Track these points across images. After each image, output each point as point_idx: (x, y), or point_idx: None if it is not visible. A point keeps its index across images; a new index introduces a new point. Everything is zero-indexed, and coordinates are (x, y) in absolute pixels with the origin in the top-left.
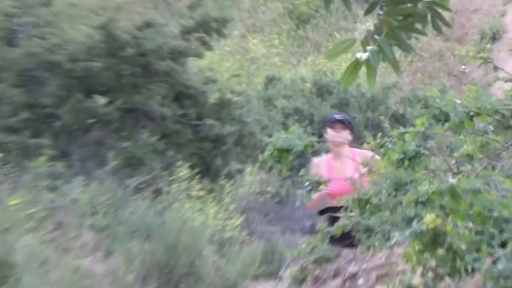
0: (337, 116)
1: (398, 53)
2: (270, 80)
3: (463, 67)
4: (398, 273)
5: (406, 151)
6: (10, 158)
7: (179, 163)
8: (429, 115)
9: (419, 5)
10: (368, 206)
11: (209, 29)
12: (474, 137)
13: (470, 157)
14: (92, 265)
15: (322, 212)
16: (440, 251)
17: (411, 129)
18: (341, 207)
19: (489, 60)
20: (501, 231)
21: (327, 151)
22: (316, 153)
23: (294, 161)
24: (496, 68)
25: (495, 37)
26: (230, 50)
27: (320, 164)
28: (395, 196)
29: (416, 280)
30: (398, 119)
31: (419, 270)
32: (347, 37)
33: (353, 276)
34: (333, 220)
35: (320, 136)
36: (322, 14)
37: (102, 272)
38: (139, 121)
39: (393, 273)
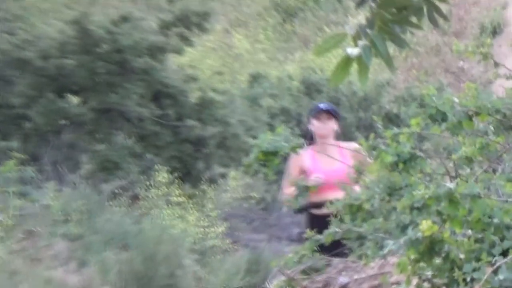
0: (322, 106)
1: (391, 48)
2: (255, 78)
3: (461, 63)
4: (392, 284)
5: (401, 154)
6: None
7: (157, 167)
8: (425, 114)
9: None
10: (360, 212)
11: (189, 23)
12: (474, 138)
13: (469, 160)
14: (65, 277)
15: (301, 210)
16: (437, 260)
17: (405, 129)
18: (323, 203)
19: (489, 56)
20: (502, 239)
21: (310, 143)
22: None
23: (281, 164)
24: (496, 64)
25: (495, 31)
26: (212, 46)
27: (302, 157)
28: (389, 201)
29: None
30: (392, 119)
31: (415, 280)
32: (338, 31)
33: (344, 287)
34: (315, 219)
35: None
36: (311, 7)
37: (75, 284)
38: (115, 122)
39: (387, 284)
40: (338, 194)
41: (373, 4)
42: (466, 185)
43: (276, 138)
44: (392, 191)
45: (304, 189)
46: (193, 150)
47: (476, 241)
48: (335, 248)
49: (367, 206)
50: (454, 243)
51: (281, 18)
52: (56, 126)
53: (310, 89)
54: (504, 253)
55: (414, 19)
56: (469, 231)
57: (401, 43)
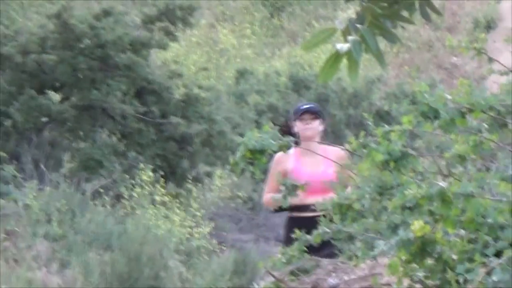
0: (305, 106)
1: (382, 44)
2: (242, 74)
3: (454, 59)
4: (383, 285)
5: (392, 152)
6: None
7: (141, 165)
8: (417, 112)
9: None
10: (350, 212)
11: (174, 18)
12: (467, 136)
13: (462, 158)
14: (47, 278)
15: (279, 210)
16: (429, 261)
17: (397, 127)
18: (305, 206)
19: (483, 51)
20: (496, 239)
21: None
22: None
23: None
24: (490, 60)
25: (489, 26)
26: (197, 41)
27: (285, 159)
28: (380, 201)
29: None
30: (383, 117)
31: (406, 282)
32: (327, 26)
33: None
34: (295, 221)
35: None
36: (299, 1)
37: (57, 285)
38: (97, 120)
39: (378, 285)
40: (320, 198)
41: None
42: (459, 184)
43: (264, 136)
44: (383, 191)
45: (293, 188)
46: (178, 148)
47: (470, 241)
48: (323, 249)
49: (357, 206)
50: (447, 243)
51: (269, 12)
52: (37, 123)
53: (298, 85)
54: (498, 254)
55: (405, 14)
56: (462, 231)
57: (392, 38)
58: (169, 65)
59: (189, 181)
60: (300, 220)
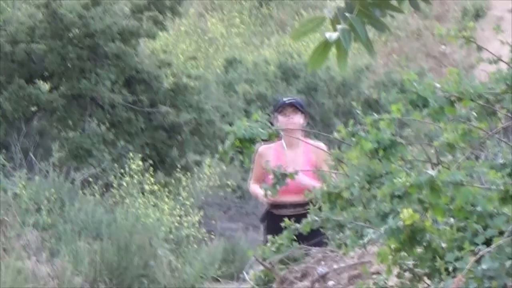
0: (286, 99)
1: (371, 32)
2: (231, 63)
3: (443, 47)
4: (372, 273)
5: (381, 140)
6: None
7: (130, 154)
8: (405, 100)
9: None
10: (339, 200)
11: (162, 7)
12: (456, 124)
13: (451, 147)
14: (36, 267)
15: (264, 218)
16: (418, 250)
17: (386, 115)
18: (286, 204)
19: (471, 40)
20: (485, 228)
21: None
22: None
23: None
24: (479, 49)
25: (478, 15)
26: (186, 30)
27: (267, 153)
28: (369, 189)
29: (392, 281)
30: (372, 105)
31: (395, 270)
32: (316, 15)
33: (323, 277)
34: (274, 219)
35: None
36: None
37: (46, 274)
38: (86, 109)
39: (367, 274)
40: (299, 197)
41: None
42: (448, 173)
43: (253, 124)
44: (372, 179)
45: (282, 177)
46: (167, 137)
47: (459, 229)
48: (312, 238)
49: (346, 194)
50: (436, 232)
51: (257, 1)
52: (26, 112)
53: (287, 74)
54: (488, 242)
55: (394, 2)
56: (452, 220)
57: (381, 27)
58: (158, 54)
59: (178, 170)
60: (279, 217)
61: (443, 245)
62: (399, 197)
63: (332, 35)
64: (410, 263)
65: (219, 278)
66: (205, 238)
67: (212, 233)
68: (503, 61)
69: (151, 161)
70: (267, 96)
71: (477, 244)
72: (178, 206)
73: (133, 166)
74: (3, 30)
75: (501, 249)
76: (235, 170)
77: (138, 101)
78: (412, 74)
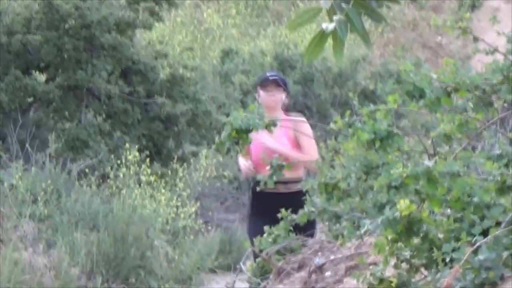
0: (269, 75)
1: (367, 23)
2: (227, 54)
3: (439, 38)
4: (369, 264)
5: (377, 131)
6: None
7: (127, 145)
8: (402, 91)
9: None
10: (335, 191)
11: None
12: (452, 115)
13: (447, 137)
14: (33, 258)
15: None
16: (415, 240)
17: (382, 106)
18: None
19: (468, 31)
20: (482, 218)
21: None
22: None
23: None
24: (476, 39)
25: (474, 5)
26: (182, 21)
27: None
28: (366, 180)
29: (389, 272)
30: (368, 96)
31: (392, 261)
32: (312, 6)
33: (320, 268)
34: (257, 195)
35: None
36: None
37: (43, 266)
38: (83, 100)
39: (364, 264)
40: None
41: None
42: (445, 163)
43: (249, 115)
44: (369, 170)
45: (278, 168)
46: (163, 128)
47: (456, 220)
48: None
49: (343, 185)
50: (433, 222)
51: None
52: (22, 103)
53: (284, 65)
54: (484, 233)
55: None
56: (448, 211)
57: (377, 18)
58: (154, 45)
59: (175, 161)
60: (260, 194)
61: (440, 235)
62: (395, 187)
63: (329, 26)
64: (407, 253)
65: (215, 269)
66: (202, 229)
67: (209, 224)
68: (500, 52)
69: (147, 152)
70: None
71: (474, 235)
72: (175, 197)
73: (130, 157)
74: None
75: (498, 239)
76: (232, 161)
77: (135, 92)
78: (408, 64)
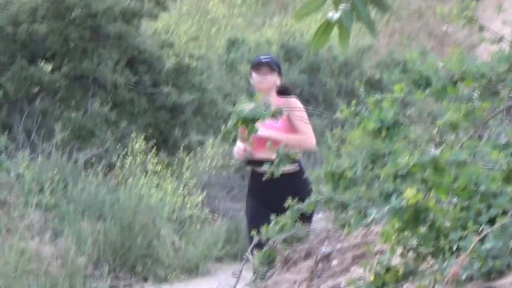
0: (263, 58)
1: (373, 12)
2: (233, 43)
3: (445, 27)
4: (376, 253)
5: (384, 120)
6: None
7: (133, 135)
8: (408, 80)
9: None
10: (342, 180)
11: None
12: (458, 104)
13: (454, 126)
14: (39, 247)
15: (247, 163)
16: (422, 229)
17: (388, 95)
18: (263, 161)
19: (474, 19)
20: (488, 207)
21: None
22: None
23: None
24: (481, 28)
25: None
26: (188, 10)
27: None
28: (372, 169)
29: (396, 260)
30: (374, 85)
31: (399, 250)
32: None
33: (327, 257)
34: (254, 176)
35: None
36: None
37: (50, 255)
38: (89, 89)
39: (371, 253)
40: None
41: None
42: (451, 152)
43: (255, 104)
44: (375, 159)
45: (285, 157)
46: (170, 117)
47: (462, 209)
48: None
49: (349, 174)
50: (440, 211)
51: None
52: (28, 93)
53: (290, 54)
54: (491, 221)
55: None
56: (455, 199)
57: (383, 7)
58: (160, 34)
59: (181, 150)
60: (258, 174)
61: (447, 224)
62: (402, 176)
63: (334, 15)
64: (414, 242)
65: (222, 258)
66: (208, 218)
67: (215, 213)
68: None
69: (154, 141)
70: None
71: (481, 224)
72: (181, 186)
73: (136, 146)
74: (5, 11)
75: (504, 228)
76: None
77: (141, 81)
78: (414, 53)
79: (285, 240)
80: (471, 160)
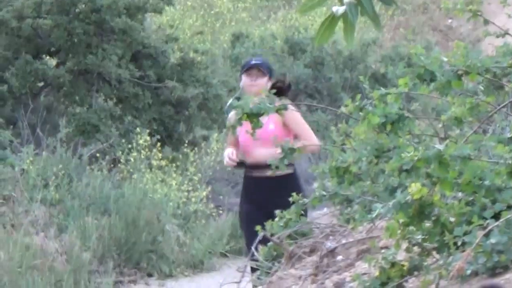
0: (253, 61)
1: (378, 6)
2: (237, 38)
3: (449, 21)
4: (381, 248)
5: (388, 115)
6: None
7: (138, 129)
8: (413, 74)
9: None
10: (347, 175)
11: None
12: (463, 98)
13: (458, 121)
14: (44, 243)
15: (240, 165)
16: (427, 224)
17: (393, 90)
18: (259, 165)
19: (478, 13)
20: (493, 202)
21: None
22: None
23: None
24: (486, 22)
25: None
26: (192, 5)
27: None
28: (377, 164)
29: (401, 255)
30: (379, 79)
31: (404, 245)
32: None
33: (331, 252)
34: (247, 180)
35: (294, 99)
36: None
37: (55, 250)
38: (93, 84)
39: (376, 248)
40: (266, 156)
41: None
42: (456, 147)
43: (260, 99)
44: (380, 153)
45: (290, 151)
46: (174, 112)
47: (467, 204)
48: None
49: (354, 168)
50: (444, 206)
51: None
52: (33, 88)
53: (294, 48)
54: (496, 216)
55: None
56: (460, 194)
57: (387, 1)
58: (164, 29)
59: (186, 145)
60: (251, 178)
61: (452, 219)
62: (407, 171)
63: (339, 9)
64: (419, 237)
65: (227, 253)
66: (213, 214)
67: (220, 208)
68: (510, 35)
69: (158, 136)
70: (274, 70)
71: (486, 218)
72: (186, 182)
73: (141, 142)
74: (10, 6)
75: (509, 223)
76: None
77: (145, 76)
78: (419, 48)
79: (289, 236)
80: (475, 155)
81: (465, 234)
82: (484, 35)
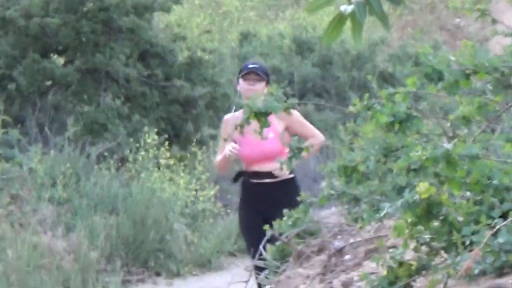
0: (250, 65)
1: (386, 5)
2: (245, 37)
3: (457, 20)
4: (388, 247)
5: (396, 114)
6: None
7: (146, 128)
8: (420, 73)
9: None
10: (354, 174)
11: None
12: (471, 97)
13: (466, 120)
14: (52, 242)
15: (237, 177)
16: (435, 223)
17: (401, 89)
18: (259, 173)
19: (486, 12)
20: (501, 201)
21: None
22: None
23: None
24: (494, 21)
25: None
26: (200, 3)
27: (232, 123)
28: (385, 163)
29: (409, 255)
30: (387, 79)
31: (412, 244)
32: None
33: (339, 252)
34: (246, 188)
35: (301, 97)
36: None
37: (62, 249)
38: (101, 83)
39: (383, 248)
40: (267, 166)
41: None
42: (464, 146)
43: (268, 98)
44: (388, 153)
45: (298, 151)
46: (182, 111)
47: (475, 203)
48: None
49: (362, 168)
50: (452, 205)
51: None
52: (40, 87)
53: (302, 47)
54: (504, 216)
55: None
56: (468, 193)
57: (396, 0)
58: (172, 28)
59: (194, 144)
60: (252, 184)
61: (460, 218)
62: (415, 170)
63: (347, 8)
64: (427, 237)
65: (235, 253)
66: (221, 213)
67: (228, 207)
68: None
69: (166, 135)
70: (282, 70)
71: (494, 218)
72: (194, 180)
73: (149, 140)
74: (17, 4)
75: None
76: None
77: (153, 75)
78: (427, 47)
79: (297, 235)
80: (484, 154)
81: (473, 233)
82: (492, 34)
